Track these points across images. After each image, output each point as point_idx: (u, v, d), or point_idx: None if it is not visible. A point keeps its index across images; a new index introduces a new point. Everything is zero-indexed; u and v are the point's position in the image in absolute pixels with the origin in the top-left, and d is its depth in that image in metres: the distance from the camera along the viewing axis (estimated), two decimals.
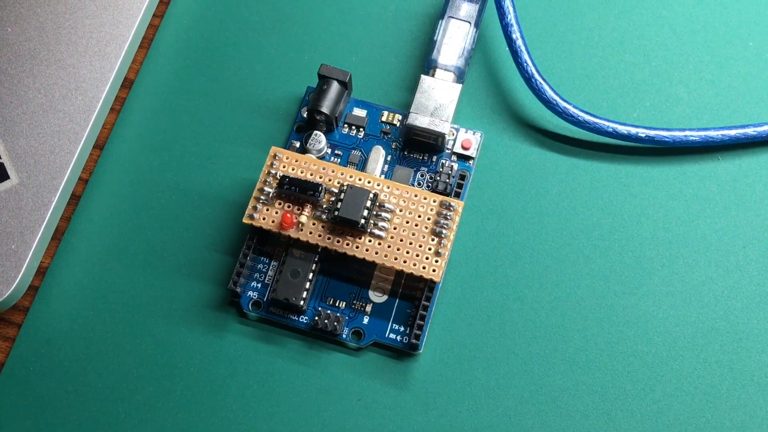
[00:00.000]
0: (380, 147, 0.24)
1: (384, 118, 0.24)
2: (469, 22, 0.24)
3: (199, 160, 0.24)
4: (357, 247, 0.21)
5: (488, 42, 0.26)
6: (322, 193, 0.22)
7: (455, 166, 0.24)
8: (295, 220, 0.22)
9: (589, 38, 0.25)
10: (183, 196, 0.24)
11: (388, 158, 0.24)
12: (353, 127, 0.24)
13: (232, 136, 0.25)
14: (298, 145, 0.24)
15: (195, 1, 0.26)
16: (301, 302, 0.22)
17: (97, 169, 0.24)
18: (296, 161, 0.22)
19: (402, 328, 0.22)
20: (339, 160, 0.24)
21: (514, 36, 0.24)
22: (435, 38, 0.24)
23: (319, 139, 0.24)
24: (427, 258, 0.21)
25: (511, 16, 0.24)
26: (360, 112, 0.24)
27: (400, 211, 0.22)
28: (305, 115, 0.24)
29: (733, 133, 0.23)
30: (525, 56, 0.24)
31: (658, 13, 0.26)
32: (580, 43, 0.25)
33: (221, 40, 0.26)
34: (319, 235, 0.22)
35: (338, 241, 0.21)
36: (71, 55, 0.24)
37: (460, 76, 0.24)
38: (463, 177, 0.23)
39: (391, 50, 0.26)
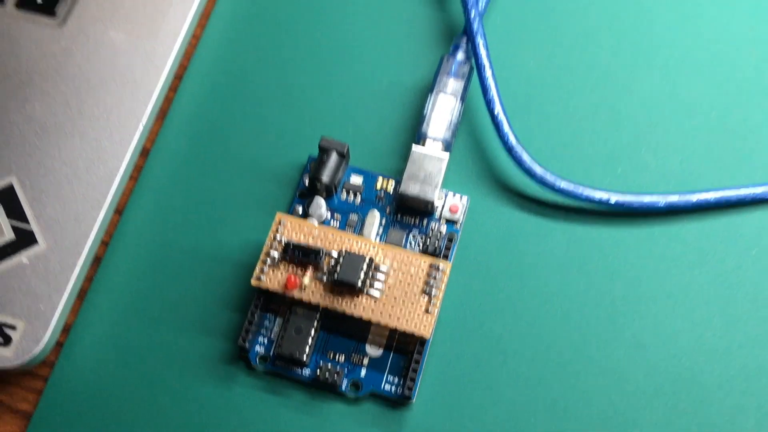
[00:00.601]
0: (376, 211, 0.26)
1: (379, 185, 0.27)
2: (456, 97, 0.27)
3: (210, 223, 0.27)
4: (354, 306, 0.24)
5: (473, 114, 0.28)
6: (323, 258, 0.24)
7: (444, 228, 0.26)
8: (298, 282, 0.24)
9: (565, 110, 0.28)
10: (195, 257, 0.26)
11: (383, 221, 0.26)
12: (351, 193, 0.27)
13: (241, 201, 0.27)
14: (300, 209, 0.26)
15: (206, 77, 0.29)
16: (304, 356, 0.24)
17: (116, 233, 0.27)
18: (299, 226, 0.25)
19: (396, 380, 0.24)
20: (338, 223, 0.26)
21: (496, 110, 0.26)
22: (425, 112, 0.27)
23: (320, 204, 0.26)
24: (418, 315, 0.23)
25: (493, 92, 0.26)
26: (357, 179, 0.27)
27: (393, 272, 0.24)
28: (307, 183, 0.27)
29: (694, 198, 0.25)
30: (506, 128, 0.26)
31: (629, 87, 0.28)
32: (558, 115, 0.28)
33: (230, 112, 0.28)
34: (320, 296, 0.24)
35: (337, 301, 0.24)
36: (94, 128, 0.27)
37: (448, 146, 0.26)
38: (450, 239, 0.25)
39: (385, 121, 0.28)
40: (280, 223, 0.25)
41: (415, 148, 0.26)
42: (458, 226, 0.26)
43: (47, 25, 0.28)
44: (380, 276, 0.24)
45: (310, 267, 0.24)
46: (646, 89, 0.28)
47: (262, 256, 0.24)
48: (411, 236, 0.26)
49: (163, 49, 0.28)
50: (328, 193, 0.26)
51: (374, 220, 0.26)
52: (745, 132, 0.27)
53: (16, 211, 0.26)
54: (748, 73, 0.28)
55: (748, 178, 0.27)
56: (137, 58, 0.28)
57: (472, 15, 0.27)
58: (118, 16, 0.28)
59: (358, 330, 0.25)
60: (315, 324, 0.24)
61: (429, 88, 0.27)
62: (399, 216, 0.26)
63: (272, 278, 0.24)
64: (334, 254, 0.24)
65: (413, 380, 0.24)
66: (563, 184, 0.26)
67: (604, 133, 0.27)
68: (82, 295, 0.26)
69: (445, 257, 0.25)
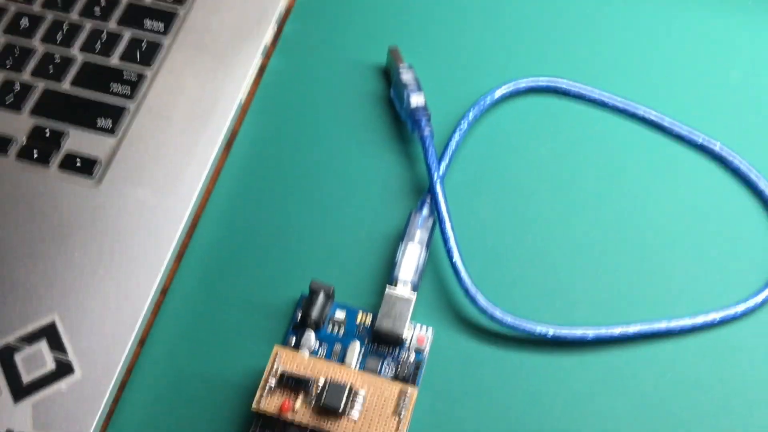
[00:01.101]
0: (357, 342, 0.31)
1: (359, 319, 0.32)
2: (422, 245, 0.32)
3: (216, 351, 0.32)
4: (337, 427, 0.29)
5: (437, 258, 0.34)
6: (312, 386, 0.29)
7: (412, 357, 0.31)
8: (291, 406, 0.29)
9: (514, 253, 0.34)
10: (204, 381, 0.31)
11: (362, 350, 0.31)
12: (336, 326, 0.32)
13: (243, 331, 0.32)
14: (294, 339, 0.32)
15: (217, 226, 0.35)
16: None
17: (138, 362, 0.32)
18: (293, 358, 0.30)
19: None
20: (325, 351, 0.31)
21: (454, 258, 0.32)
22: (396, 258, 0.32)
23: (309, 337, 0.31)
24: None
25: (452, 242, 0.32)
26: (341, 314, 0.32)
27: (369, 397, 0.29)
28: (299, 318, 0.32)
29: (617, 331, 0.31)
30: (463, 273, 0.32)
31: (565, 234, 0.34)
32: (508, 257, 0.34)
33: (236, 256, 0.34)
34: (309, 417, 0.29)
35: (323, 422, 0.29)
36: (123, 272, 0.32)
37: (416, 287, 0.32)
38: (417, 366, 0.30)
39: (364, 263, 0.34)
40: (277, 356, 0.30)
41: (389, 289, 0.31)
42: (424, 354, 0.31)
43: (85, 185, 0.34)
44: (359, 400, 0.29)
45: (301, 393, 0.29)
46: (579, 236, 0.34)
47: (262, 383, 0.29)
48: (385, 363, 0.31)
49: (181, 204, 0.34)
50: (317, 326, 0.32)
51: (355, 349, 0.31)
52: (660, 273, 0.33)
53: (57, 345, 0.31)
54: (660, 225, 0.34)
55: (664, 312, 0.32)
56: (160, 212, 0.34)
57: (435, 178, 0.33)
58: (145, 176, 0.34)
59: None
60: None
61: (400, 237, 0.33)
62: (375, 346, 0.31)
63: (269, 402, 0.29)
64: (321, 382, 0.29)
65: None
66: (509, 320, 0.31)
67: (545, 273, 0.33)
68: (110, 415, 0.31)
69: (414, 382, 0.30)
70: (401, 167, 0.36)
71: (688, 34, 0.39)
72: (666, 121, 0.36)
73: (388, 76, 0.39)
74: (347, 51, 0.39)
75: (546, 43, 0.39)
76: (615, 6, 0.40)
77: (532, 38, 0.39)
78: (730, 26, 0.39)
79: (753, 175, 0.35)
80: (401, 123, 0.37)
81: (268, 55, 0.39)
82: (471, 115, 0.36)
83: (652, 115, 0.36)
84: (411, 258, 0.32)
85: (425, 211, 0.33)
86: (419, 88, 0.36)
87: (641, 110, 0.37)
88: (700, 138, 0.36)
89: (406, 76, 0.36)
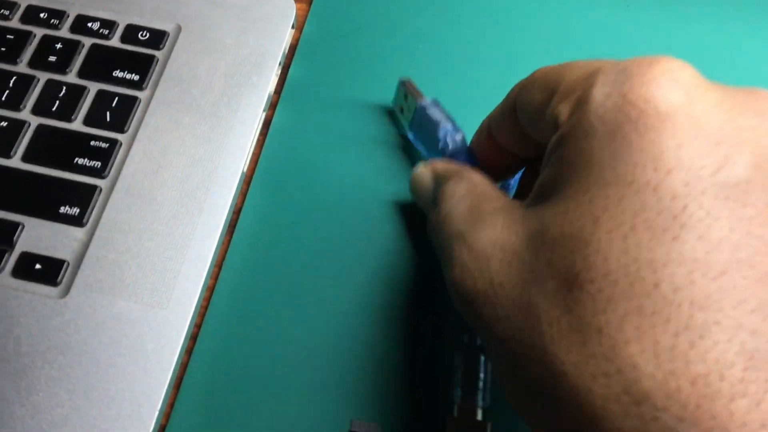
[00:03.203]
0: None
1: None
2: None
3: None
4: None
5: None
6: None
7: None
8: None
9: None
10: None
11: None
12: None
13: None
14: None
15: (218, 343, 0.27)
16: None
17: None
18: None
19: None
20: None
21: None
22: (453, 370, 0.25)
23: None
24: None
25: None
26: None
27: None
28: None
29: None
30: None
31: None
32: None
33: (246, 384, 0.26)
34: None
35: None
36: (104, 419, 0.24)
37: (485, 409, 0.25)
38: None
39: (408, 383, 0.26)
40: None
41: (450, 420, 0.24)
42: None
43: (46, 296, 0.26)
44: None
45: None
46: None
47: None
48: None
49: (177, 316, 0.26)
50: None
51: None
52: None
53: None
54: None
55: None
56: (148, 329, 0.26)
57: None
58: (126, 280, 0.26)
59: None
60: None
61: (453, 342, 0.26)
62: None
63: None
64: None
65: None
66: None
67: None
68: None
69: None
70: None
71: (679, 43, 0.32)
72: None
73: (394, 113, 0.31)
74: (361, 93, 0.32)
75: None
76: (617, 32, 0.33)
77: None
78: (729, 35, 0.33)
79: None
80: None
81: (272, 105, 0.32)
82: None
83: None
84: (473, 369, 0.25)
85: None
86: (455, 126, 0.28)
87: None
88: None
89: (434, 111, 0.29)
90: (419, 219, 0.29)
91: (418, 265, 0.28)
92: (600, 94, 0.18)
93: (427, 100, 0.29)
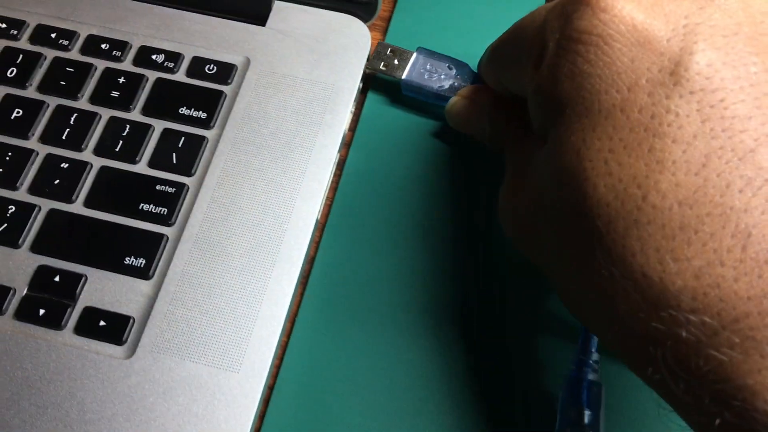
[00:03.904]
0: None
1: None
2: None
3: None
4: None
5: None
6: None
7: None
8: None
9: None
10: None
11: None
12: None
13: None
14: None
15: (292, 407, 0.25)
16: None
17: None
18: None
19: None
20: None
21: None
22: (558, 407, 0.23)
23: None
24: None
25: None
26: None
27: None
28: None
29: None
30: None
31: None
32: None
33: None
34: None
35: None
36: None
37: None
38: None
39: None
40: None
41: None
42: None
43: (111, 356, 0.24)
44: None
45: None
46: None
47: None
48: None
49: (251, 379, 0.24)
50: None
51: None
52: None
53: None
54: None
55: None
56: (220, 394, 0.24)
57: None
58: (196, 339, 0.24)
59: None
60: None
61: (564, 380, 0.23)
62: None
63: None
64: None
65: None
66: None
67: None
68: None
69: None
70: None
71: None
72: None
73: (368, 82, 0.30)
74: (442, 122, 0.29)
75: None
76: None
77: None
78: None
79: None
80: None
81: (345, 144, 0.29)
82: None
83: None
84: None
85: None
86: (450, 66, 0.30)
87: None
88: None
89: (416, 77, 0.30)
90: (508, 265, 0.27)
91: (509, 312, 0.26)
92: (552, 41, 0.20)
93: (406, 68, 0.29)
